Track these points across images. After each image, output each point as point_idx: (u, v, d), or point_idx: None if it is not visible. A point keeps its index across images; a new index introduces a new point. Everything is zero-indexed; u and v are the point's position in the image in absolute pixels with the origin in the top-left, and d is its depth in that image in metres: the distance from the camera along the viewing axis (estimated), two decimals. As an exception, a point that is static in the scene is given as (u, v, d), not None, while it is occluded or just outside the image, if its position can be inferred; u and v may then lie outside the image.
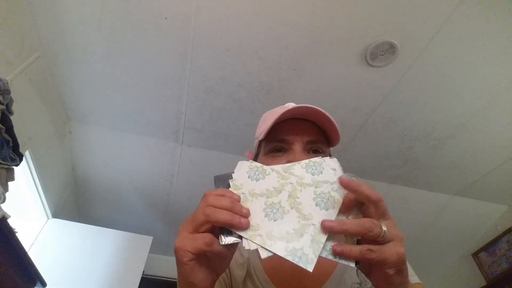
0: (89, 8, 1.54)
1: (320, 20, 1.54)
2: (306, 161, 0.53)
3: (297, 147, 0.64)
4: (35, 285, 1.61)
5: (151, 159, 2.37)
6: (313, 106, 0.64)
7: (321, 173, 0.51)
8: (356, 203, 0.47)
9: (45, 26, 1.61)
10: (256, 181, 0.50)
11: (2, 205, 1.30)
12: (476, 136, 2.07)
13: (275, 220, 0.46)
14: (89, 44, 1.69)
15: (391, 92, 1.86)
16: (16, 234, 1.40)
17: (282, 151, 0.65)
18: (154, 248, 2.59)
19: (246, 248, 0.45)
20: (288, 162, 0.61)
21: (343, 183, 0.47)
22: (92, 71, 1.82)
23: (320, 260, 0.44)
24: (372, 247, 0.42)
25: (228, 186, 0.51)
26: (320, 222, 0.45)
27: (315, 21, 1.55)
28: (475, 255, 2.80)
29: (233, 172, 0.53)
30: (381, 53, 1.64)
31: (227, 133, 2.16)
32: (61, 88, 1.92)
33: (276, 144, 0.65)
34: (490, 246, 2.69)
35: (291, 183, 0.50)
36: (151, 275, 3.03)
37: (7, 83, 1.32)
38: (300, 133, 0.65)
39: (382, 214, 0.45)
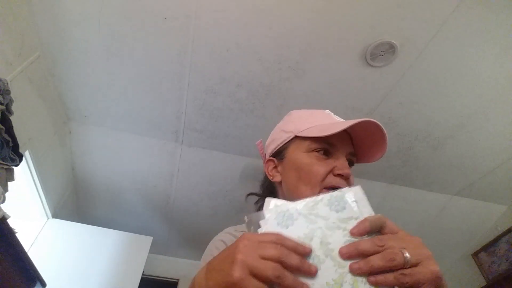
0: (89, 8, 1.54)
1: (320, 20, 1.54)
2: (328, 196, 0.51)
3: (342, 155, 0.67)
4: (35, 285, 1.61)
5: (151, 159, 2.37)
6: (379, 125, 0.64)
7: (344, 208, 0.50)
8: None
9: (45, 26, 1.61)
10: (286, 228, 0.49)
11: (2, 205, 1.30)
12: (475, 136, 2.07)
13: None
14: (89, 44, 1.69)
15: (391, 92, 1.86)
16: (16, 234, 1.40)
17: (327, 155, 0.67)
18: (154, 248, 2.60)
19: None
20: (334, 168, 0.63)
21: (355, 234, 0.47)
22: (92, 71, 1.82)
23: None
24: (404, 271, 0.43)
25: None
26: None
27: (315, 22, 1.55)
28: (475, 255, 2.80)
29: (262, 211, 0.52)
30: (381, 53, 1.64)
31: (227, 133, 2.16)
32: (61, 88, 1.92)
33: (325, 145, 0.67)
34: (490, 246, 2.69)
35: (320, 227, 0.48)
36: (151, 275, 3.03)
37: (7, 83, 1.32)
38: (346, 142, 0.69)
39: (401, 241, 0.45)
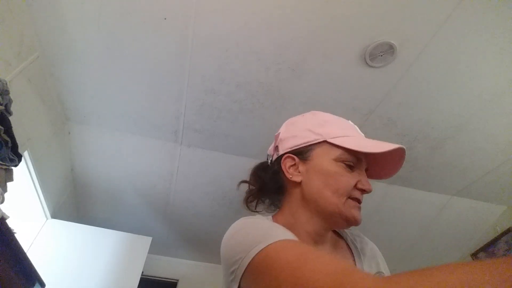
0: (89, 8, 1.54)
1: (319, 20, 1.55)
2: None
3: (363, 170, 0.69)
4: (34, 285, 1.61)
5: (151, 159, 2.37)
6: (404, 154, 0.67)
7: None
8: None
9: (44, 27, 1.60)
10: None
11: (1, 206, 1.29)
12: (475, 137, 2.07)
13: None
14: (88, 44, 1.69)
15: (390, 92, 1.86)
16: (15, 235, 1.40)
17: (351, 168, 0.68)
18: (153, 249, 2.59)
19: None
20: (358, 182, 0.66)
21: None
22: (91, 71, 1.81)
23: None
24: None
25: None
26: None
27: (314, 22, 1.55)
28: (474, 255, 2.80)
29: None
30: (380, 53, 1.64)
31: (226, 133, 2.16)
32: (60, 89, 1.92)
33: (354, 159, 0.68)
34: (489, 247, 2.69)
35: None
36: (150, 276, 3.02)
37: (6, 84, 1.32)
38: (365, 160, 0.71)
39: None
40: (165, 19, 1.57)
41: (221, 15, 1.55)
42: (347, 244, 0.74)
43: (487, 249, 2.70)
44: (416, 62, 1.69)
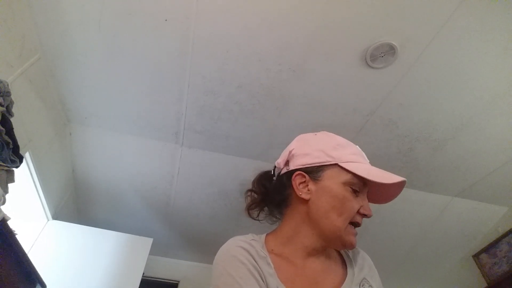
0: (89, 10, 1.54)
1: (320, 21, 1.55)
2: None
3: (365, 195, 0.74)
4: (35, 286, 1.61)
5: (151, 160, 2.37)
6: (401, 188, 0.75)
7: None
8: None
9: (45, 28, 1.61)
10: None
11: (2, 207, 1.29)
12: (476, 138, 2.07)
13: None
14: (89, 46, 1.69)
15: (391, 93, 1.86)
16: (16, 236, 1.40)
17: (356, 193, 0.71)
18: (154, 250, 2.59)
19: None
20: (361, 207, 0.71)
21: None
22: (92, 72, 1.82)
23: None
24: None
25: None
26: None
27: (315, 23, 1.55)
28: (476, 256, 2.79)
29: None
30: (381, 54, 1.64)
31: (227, 134, 2.16)
32: (61, 90, 1.92)
33: (361, 185, 0.72)
34: (490, 248, 2.68)
35: None
36: (151, 277, 3.02)
37: (8, 85, 1.32)
38: (368, 186, 0.75)
39: None
40: (166, 20, 1.57)
41: (222, 16, 1.55)
42: (340, 254, 0.79)
43: (489, 250, 2.69)
44: (417, 63, 1.69)
